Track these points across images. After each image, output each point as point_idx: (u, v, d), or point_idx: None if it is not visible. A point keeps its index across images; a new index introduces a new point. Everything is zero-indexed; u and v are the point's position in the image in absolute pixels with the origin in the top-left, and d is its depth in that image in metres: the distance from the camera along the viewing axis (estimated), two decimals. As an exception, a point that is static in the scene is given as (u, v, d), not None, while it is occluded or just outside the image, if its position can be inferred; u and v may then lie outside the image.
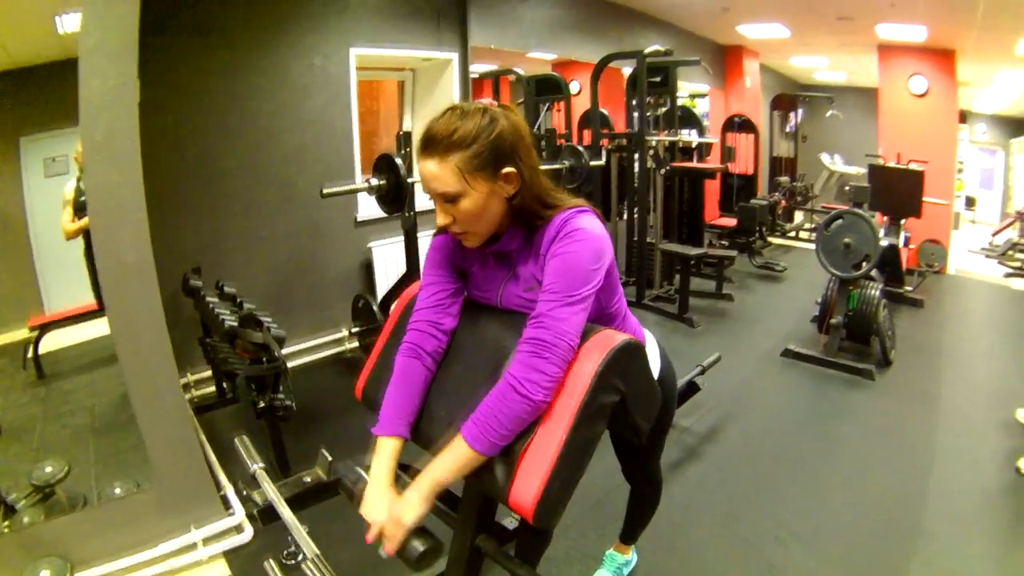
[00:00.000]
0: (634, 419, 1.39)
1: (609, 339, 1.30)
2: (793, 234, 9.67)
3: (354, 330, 4.27)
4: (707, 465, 3.22)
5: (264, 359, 2.54)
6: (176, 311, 2.43)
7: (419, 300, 1.54)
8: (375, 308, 3.97)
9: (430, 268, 1.54)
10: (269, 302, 3.03)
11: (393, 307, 1.72)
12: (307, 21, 3.94)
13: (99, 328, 2.20)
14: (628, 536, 2.33)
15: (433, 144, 1.28)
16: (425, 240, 3.72)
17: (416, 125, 5.02)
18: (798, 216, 10.17)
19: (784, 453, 3.42)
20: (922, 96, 7.94)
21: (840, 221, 4.57)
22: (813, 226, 10.08)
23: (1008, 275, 8.55)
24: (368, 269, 4.53)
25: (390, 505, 1.29)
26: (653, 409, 1.47)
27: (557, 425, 1.24)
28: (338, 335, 4.38)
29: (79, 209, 2.49)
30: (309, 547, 1.47)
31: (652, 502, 2.16)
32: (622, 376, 1.30)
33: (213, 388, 3.44)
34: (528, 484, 1.23)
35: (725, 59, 9.02)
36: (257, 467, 1.70)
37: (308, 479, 1.77)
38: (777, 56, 9.75)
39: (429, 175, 1.30)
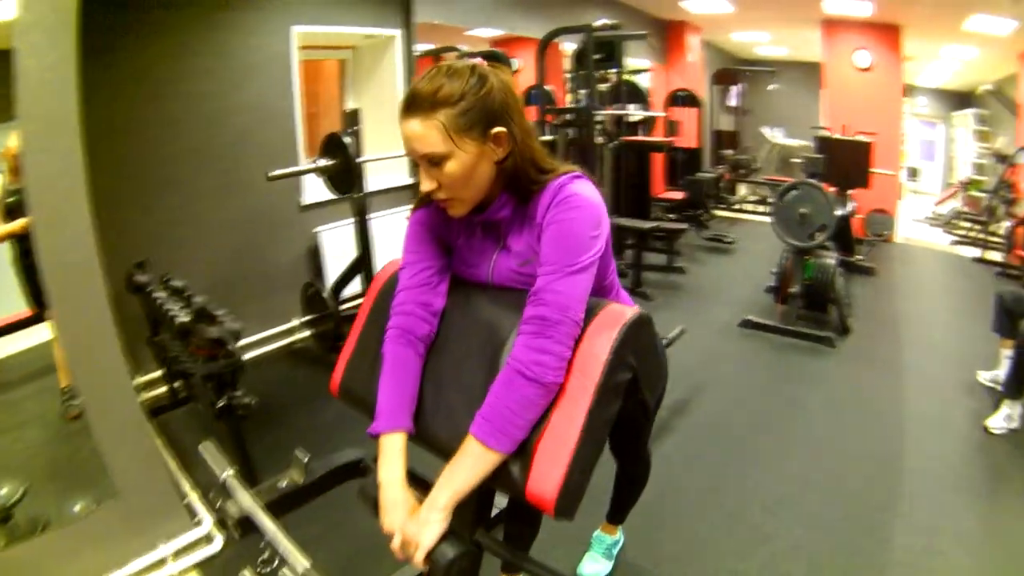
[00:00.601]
0: (643, 395, 1.30)
1: (619, 314, 1.20)
2: (738, 206, 9.81)
3: (305, 319, 4.13)
4: (681, 439, 3.22)
5: (220, 355, 2.40)
6: (121, 310, 2.27)
7: (402, 279, 1.41)
8: (325, 296, 3.85)
9: (413, 244, 1.42)
10: (217, 294, 2.84)
11: (368, 290, 1.60)
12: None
13: (35, 337, 2.05)
14: (616, 516, 2.29)
15: (417, 102, 1.17)
16: (377, 221, 3.66)
17: (359, 104, 4.85)
18: (741, 189, 10.32)
19: (756, 422, 3.46)
20: (867, 70, 8.13)
21: (795, 192, 4.61)
22: (757, 198, 10.26)
23: (955, 242, 8.86)
24: (315, 255, 4.36)
25: (405, 525, 1.17)
26: (661, 383, 1.41)
27: (575, 408, 1.14)
28: (288, 325, 4.21)
29: (8, 212, 2.30)
30: (298, 560, 1.36)
31: (642, 481, 2.11)
32: (635, 352, 1.21)
33: (164, 389, 3.23)
34: (548, 474, 1.13)
35: (667, 34, 9.03)
36: (228, 474, 1.58)
37: (284, 483, 1.65)
38: (719, 31, 9.81)
39: (412, 135, 1.18)
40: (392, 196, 4.79)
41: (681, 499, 2.73)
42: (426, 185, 1.24)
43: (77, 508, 2.08)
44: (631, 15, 7.78)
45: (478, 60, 1.24)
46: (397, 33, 4.65)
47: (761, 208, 9.96)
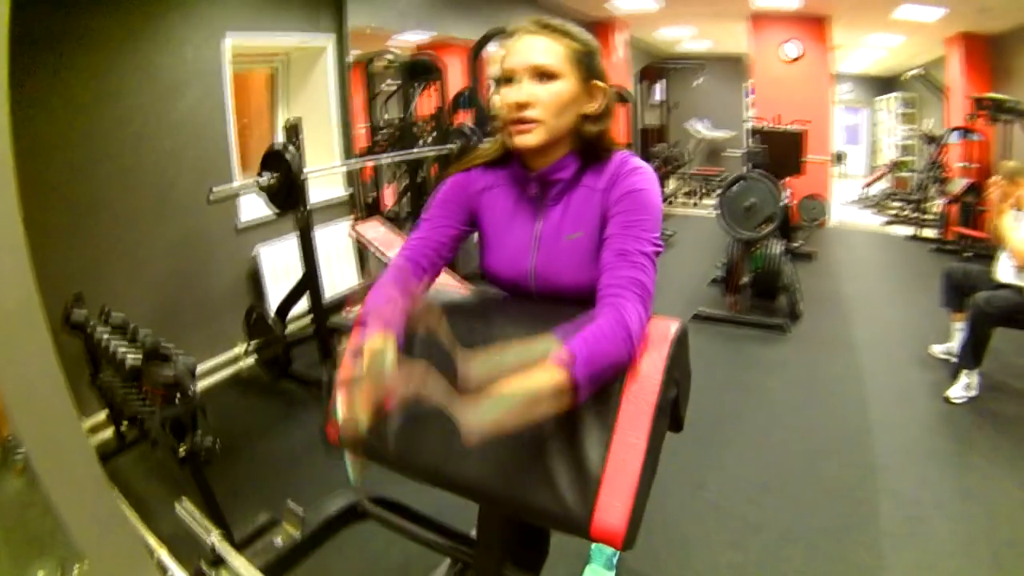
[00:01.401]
0: (679, 409, 1.24)
1: (664, 329, 1.16)
2: (670, 200, 9.94)
3: (250, 345, 3.89)
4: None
5: (177, 397, 2.18)
6: (58, 350, 2.03)
7: (423, 228, 1.36)
8: (270, 320, 3.63)
9: (440, 203, 1.38)
10: (157, 325, 2.60)
11: (356, 322, 1.45)
12: (178, 9, 3.49)
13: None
14: None
15: (548, 26, 1.22)
16: (322, 236, 3.46)
17: (291, 116, 4.65)
18: (670, 183, 10.45)
19: (723, 414, 3.47)
20: (795, 61, 8.36)
21: (741, 184, 4.63)
22: (688, 190, 10.43)
23: (887, 222, 9.21)
24: (256, 277, 4.12)
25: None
26: (689, 393, 1.31)
27: (635, 433, 1.08)
28: (232, 353, 3.95)
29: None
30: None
31: None
32: (679, 368, 1.17)
33: (110, 433, 2.93)
34: (614, 507, 1.06)
35: (594, 33, 8.96)
36: (215, 536, 1.41)
37: (280, 540, 1.49)
38: (645, 28, 9.93)
39: (533, 47, 1.20)
40: (331, 210, 4.61)
41: (667, 499, 2.69)
42: (521, 95, 1.20)
43: (40, 575, 1.84)
44: (560, 15, 7.70)
45: None
46: (330, 40, 4.47)
47: (693, 201, 10.13)
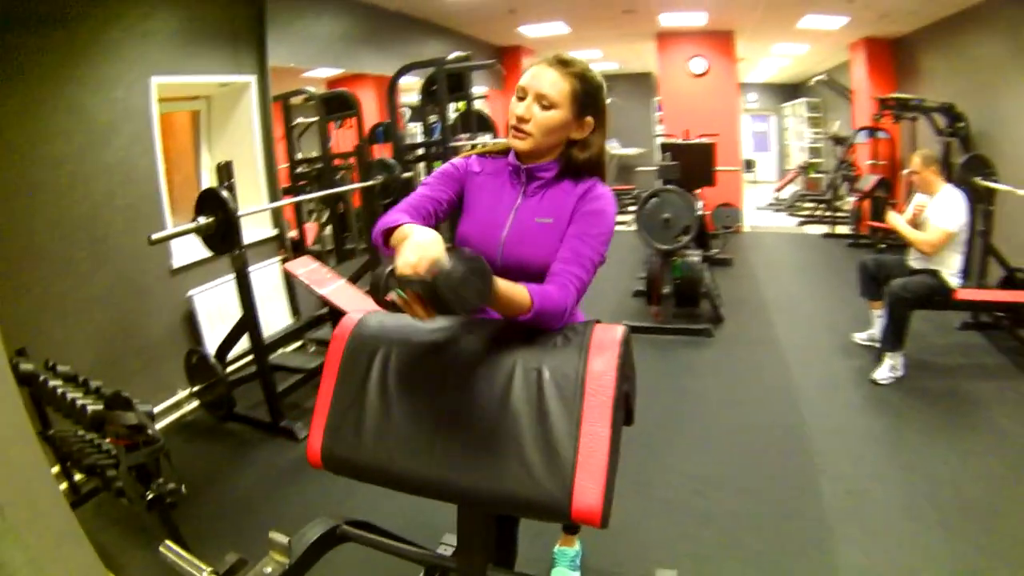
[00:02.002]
0: (631, 402, 1.42)
1: (613, 333, 1.34)
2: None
3: (192, 390, 3.84)
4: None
5: (140, 442, 2.18)
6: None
7: (421, 190, 1.59)
8: (212, 361, 3.60)
9: (439, 175, 1.62)
10: (99, 374, 2.57)
11: (331, 348, 1.52)
12: (107, 50, 3.45)
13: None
14: (573, 527, 2.37)
15: (567, 64, 1.47)
16: (257, 273, 3.46)
17: (214, 157, 4.62)
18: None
19: (660, 417, 3.60)
20: (702, 75, 8.71)
21: (656, 199, 4.85)
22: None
23: (801, 223, 9.67)
24: (191, 320, 4.06)
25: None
26: (636, 390, 1.49)
27: (600, 424, 1.24)
28: (175, 399, 3.86)
29: None
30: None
31: None
32: (629, 364, 1.37)
33: (64, 486, 2.84)
34: (590, 488, 1.21)
35: (504, 61, 9.20)
36: (207, 573, 1.45)
37: (269, 569, 1.54)
38: (552, 53, 10.01)
39: (545, 78, 1.46)
40: (259, 249, 4.59)
41: (617, 501, 2.78)
42: (521, 110, 1.47)
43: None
44: (469, 44, 7.95)
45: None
46: (252, 79, 4.48)
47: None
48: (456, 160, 1.65)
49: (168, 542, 1.60)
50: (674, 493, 2.90)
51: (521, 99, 1.48)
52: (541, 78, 1.46)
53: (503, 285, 1.24)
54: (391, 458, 1.36)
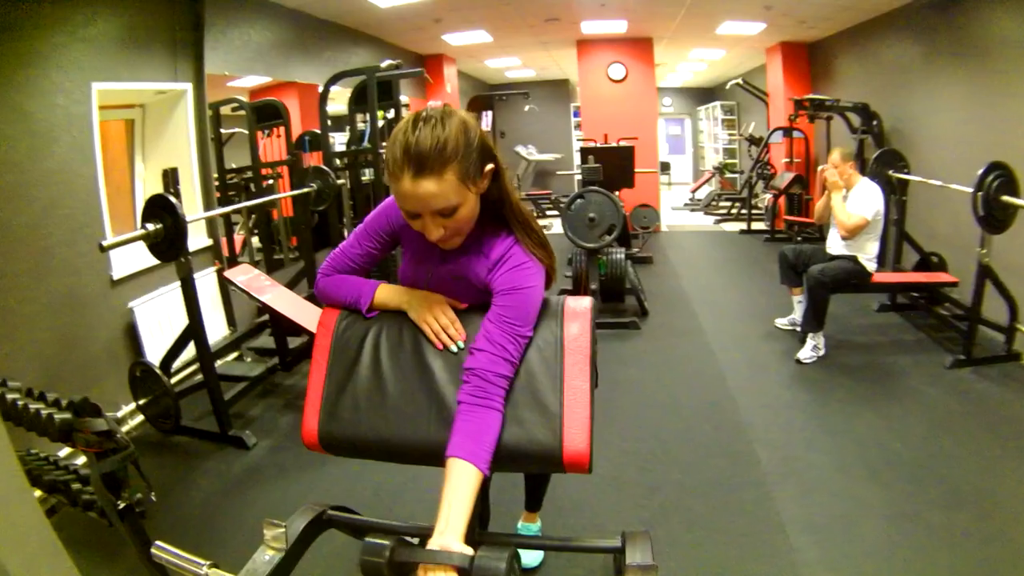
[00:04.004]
0: (595, 366, 1.54)
1: (580, 302, 1.50)
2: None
3: (137, 404, 3.74)
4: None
5: (109, 449, 2.15)
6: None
7: (351, 250, 1.58)
8: (158, 372, 3.54)
9: (371, 228, 1.57)
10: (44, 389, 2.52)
11: (319, 332, 1.60)
12: (50, 55, 3.36)
13: None
14: (534, 504, 2.46)
15: (426, 163, 1.23)
16: (198, 283, 3.43)
17: (149, 166, 4.53)
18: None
19: (597, 403, 3.68)
20: (621, 81, 8.94)
21: (581, 200, 5.02)
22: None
23: (718, 221, 10.03)
24: (132, 333, 3.96)
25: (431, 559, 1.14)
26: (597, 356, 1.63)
27: (580, 379, 1.42)
28: (119, 414, 3.77)
29: None
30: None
31: None
32: (594, 330, 1.50)
33: None
34: (577, 435, 1.38)
35: (426, 67, 9.25)
36: (207, 567, 1.48)
37: (269, 555, 1.58)
38: (473, 60, 10.26)
39: (427, 195, 1.26)
40: (196, 259, 4.51)
41: (566, 482, 2.82)
42: (436, 234, 1.34)
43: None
44: (393, 52, 7.96)
45: (440, 103, 1.37)
46: (188, 87, 4.43)
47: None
48: (391, 214, 1.53)
49: (159, 543, 1.62)
50: (619, 471, 3.05)
51: (414, 218, 1.33)
52: (422, 195, 1.26)
53: (465, 509, 1.22)
54: (391, 430, 1.46)
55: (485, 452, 1.29)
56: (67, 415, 2.12)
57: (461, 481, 1.24)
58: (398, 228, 1.53)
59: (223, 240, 5.04)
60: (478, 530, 1.60)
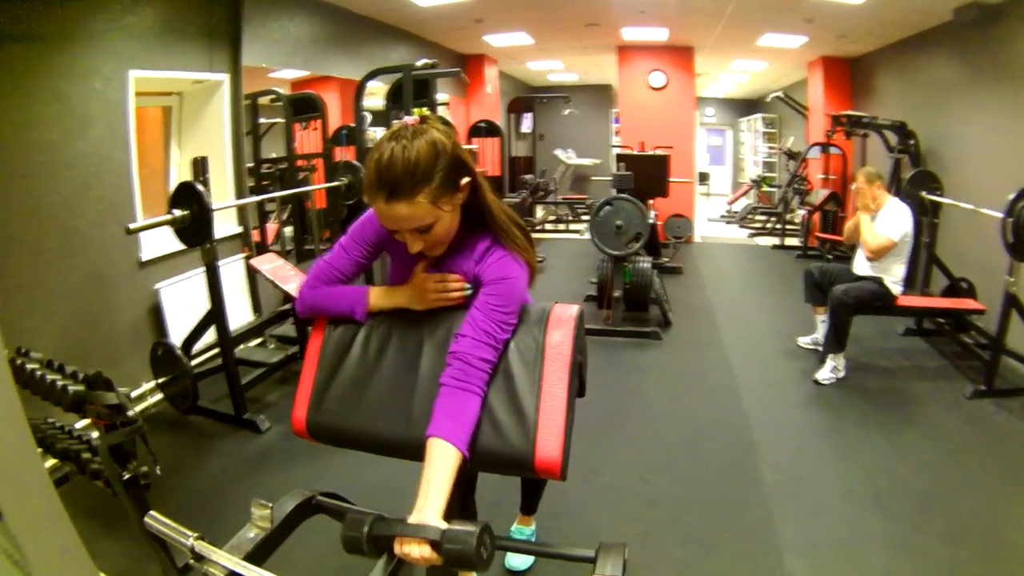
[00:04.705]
0: (583, 373, 1.60)
1: (567, 309, 1.50)
2: (540, 227, 10.33)
3: (157, 382, 3.85)
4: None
5: (118, 422, 2.23)
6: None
7: (337, 257, 1.59)
8: (178, 353, 3.64)
9: (358, 238, 1.59)
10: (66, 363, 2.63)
11: (315, 325, 1.65)
12: (88, 41, 3.47)
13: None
14: (530, 507, 2.48)
15: (398, 187, 1.27)
16: (222, 269, 3.52)
17: (184, 153, 4.65)
18: (539, 210, 10.87)
19: (609, 411, 3.75)
20: (661, 89, 8.89)
21: (609, 207, 5.02)
22: (555, 218, 10.87)
23: (752, 235, 9.92)
24: (157, 313, 4.09)
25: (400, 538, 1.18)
26: (587, 363, 1.67)
27: (558, 386, 1.41)
28: (138, 391, 3.91)
29: None
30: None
31: None
32: (582, 339, 1.51)
33: None
34: (551, 442, 1.37)
35: (467, 68, 9.33)
36: (193, 539, 1.53)
37: (253, 533, 1.63)
38: (514, 62, 10.28)
39: (400, 217, 1.31)
40: (224, 246, 4.62)
41: (568, 488, 2.86)
42: (416, 247, 1.41)
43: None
44: (434, 51, 8.01)
45: (412, 119, 1.39)
46: (225, 78, 4.53)
47: (561, 226, 10.58)
48: (376, 221, 1.51)
49: (153, 512, 1.67)
50: (621, 480, 3.05)
51: (395, 233, 1.41)
52: (396, 217, 1.32)
53: (443, 487, 1.25)
54: (374, 424, 1.50)
55: (464, 433, 1.31)
56: (80, 387, 2.21)
57: (440, 461, 1.27)
58: (385, 236, 1.55)
59: (255, 229, 5.14)
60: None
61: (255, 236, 5.16)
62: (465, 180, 1.38)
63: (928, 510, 2.78)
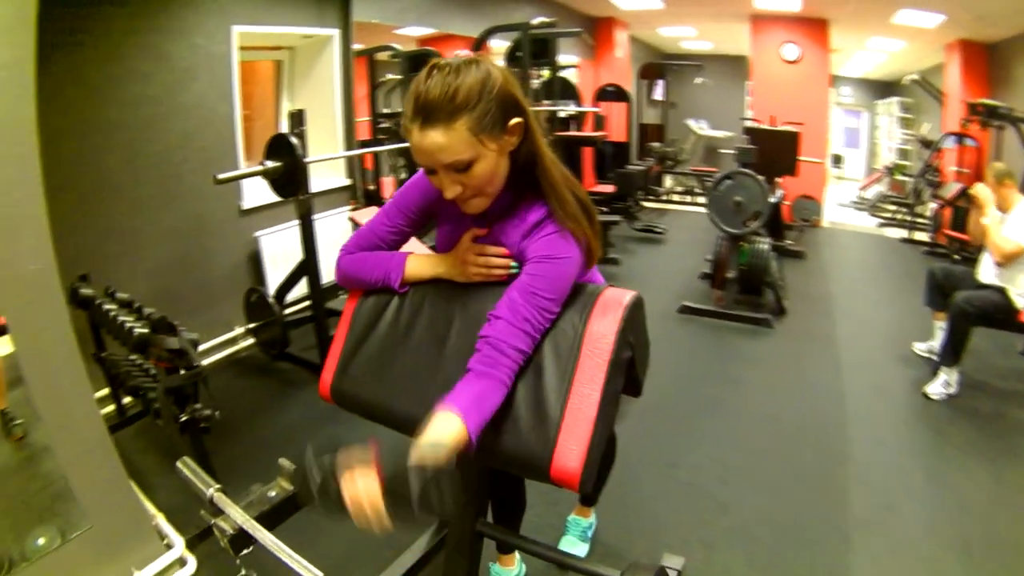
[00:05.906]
0: (637, 372, 1.37)
1: (619, 297, 1.28)
2: (666, 197, 10.02)
3: (249, 327, 4.00)
4: (631, 422, 3.24)
5: (181, 367, 2.30)
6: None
7: (381, 223, 1.47)
8: (270, 300, 3.74)
9: (400, 203, 1.46)
10: (158, 306, 2.71)
11: (348, 297, 1.58)
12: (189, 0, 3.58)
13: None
14: (589, 499, 2.35)
15: (433, 112, 1.12)
16: (318, 224, 3.57)
17: (295, 105, 4.74)
18: (667, 180, 10.54)
19: (701, 402, 3.57)
20: (794, 62, 8.43)
21: (729, 181, 4.73)
22: (684, 189, 10.51)
23: (881, 225, 9.29)
24: (256, 261, 4.23)
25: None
26: (648, 361, 1.45)
27: (591, 386, 1.21)
28: (231, 335, 4.06)
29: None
30: (308, 570, 1.32)
31: (610, 460, 2.14)
32: (633, 331, 1.29)
33: (111, 408, 3.02)
34: (572, 449, 1.19)
35: (596, 30, 9.11)
36: (214, 490, 1.52)
37: (273, 493, 1.60)
38: (646, 27, 9.95)
39: (434, 147, 1.15)
40: (331, 197, 4.71)
41: (641, 479, 2.82)
42: (452, 192, 1.22)
43: (41, 542, 1.92)
44: (561, 12, 7.81)
45: (467, 53, 1.25)
46: (335, 33, 4.56)
47: (688, 198, 10.21)
48: (423, 186, 1.41)
49: (186, 458, 1.68)
50: (698, 477, 2.87)
51: (432, 173, 1.24)
52: (431, 148, 1.16)
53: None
54: (391, 400, 1.41)
55: (477, 415, 1.14)
56: (145, 330, 2.27)
57: (438, 422, 1.12)
58: (433, 199, 1.41)
59: (375, 182, 5.19)
60: (481, 519, 1.55)
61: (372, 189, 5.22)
62: (515, 121, 1.20)
63: (1017, 567, 2.39)
